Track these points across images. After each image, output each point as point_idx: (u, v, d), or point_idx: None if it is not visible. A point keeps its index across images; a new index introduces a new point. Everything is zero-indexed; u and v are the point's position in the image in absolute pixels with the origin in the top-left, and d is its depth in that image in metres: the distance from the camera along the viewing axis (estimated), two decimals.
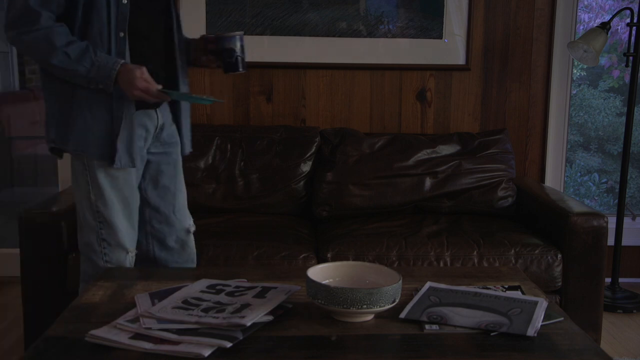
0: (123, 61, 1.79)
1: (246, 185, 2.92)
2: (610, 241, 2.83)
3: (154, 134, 2.01)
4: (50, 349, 1.35)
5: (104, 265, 1.94)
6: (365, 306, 1.44)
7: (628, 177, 3.11)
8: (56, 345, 1.37)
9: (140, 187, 2.03)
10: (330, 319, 1.50)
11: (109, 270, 1.90)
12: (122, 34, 1.83)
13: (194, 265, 2.17)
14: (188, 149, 2.14)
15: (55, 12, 1.77)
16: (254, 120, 3.21)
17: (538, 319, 1.47)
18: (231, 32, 1.97)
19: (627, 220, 3.28)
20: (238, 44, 1.96)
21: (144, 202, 2.06)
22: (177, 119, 2.09)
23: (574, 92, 3.62)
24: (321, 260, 2.42)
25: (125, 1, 1.82)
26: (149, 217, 2.08)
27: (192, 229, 2.16)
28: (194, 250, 2.17)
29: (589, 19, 3.65)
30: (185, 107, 2.10)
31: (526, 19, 3.18)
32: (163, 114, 2.01)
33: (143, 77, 1.77)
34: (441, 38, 3.16)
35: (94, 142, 1.86)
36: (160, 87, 1.81)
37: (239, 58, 1.96)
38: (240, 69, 1.97)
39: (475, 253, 2.44)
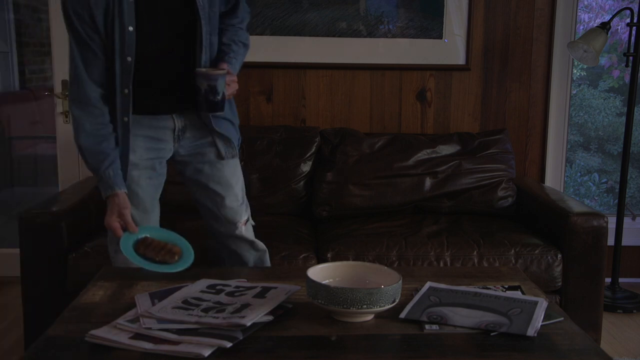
0: (115, 192, 1.89)
1: (246, 185, 2.91)
2: (610, 241, 2.83)
3: (175, 136, 2.03)
4: (50, 349, 1.35)
5: (112, 255, 2.05)
6: (365, 306, 1.44)
7: (628, 177, 3.11)
8: (56, 345, 1.37)
9: (189, 187, 2.13)
10: (330, 319, 1.50)
11: (108, 270, 1.90)
12: (126, 91, 1.89)
13: (251, 254, 2.16)
14: (226, 155, 2.10)
15: (97, 77, 1.87)
16: (254, 120, 3.21)
17: (538, 319, 1.47)
18: (215, 68, 1.88)
19: (627, 220, 3.28)
20: (204, 84, 1.84)
21: (195, 200, 2.14)
22: (210, 125, 2.05)
23: (574, 92, 3.62)
24: (321, 260, 2.42)
25: (130, 59, 1.85)
26: (202, 213, 2.15)
27: (240, 224, 2.13)
28: (249, 240, 2.16)
29: (589, 19, 3.65)
30: (224, 113, 2.04)
31: (526, 19, 3.18)
32: (184, 117, 2.02)
33: (122, 218, 1.88)
34: (441, 38, 3.16)
35: None
36: (129, 232, 1.87)
37: (203, 99, 1.85)
38: (201, 109, 1.87)
39: (475, 253, 2.44)
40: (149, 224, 2.03)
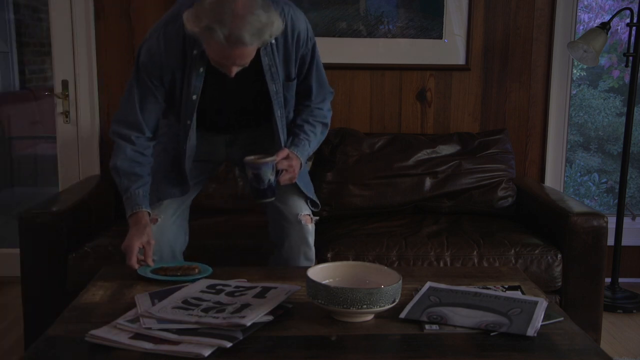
0: (140, 210, 1.90)
1: (246, 185, 2.92)
2: (610, 241, 2.83)
3: (227, 144, 2.14)
4: (50, 349, 1.35)
5: None
6: (365, 306, 1.44)
7: (628, 177, 3.11)
8: (56, 345, 1.37)
9: None
10: (330, 319, 1.50)
11: (108, 270, 1.90)
12: (184, 147, 1.98)
13: (295, 257, 2.09)
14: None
15: (152, 122, 1.95)
16: None
17: (538, 319, 1.47)
18: (262, 157, 1.86)
19: (627, 220, 3.28)
20: (250, 172, 1.85)
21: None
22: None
23: (574, 92, 3.62)
24: (321, 260, 2.42)
25: (189, 122, 1.93)
26: (270, 217, 2.14)
27: (303, 217, 2.06)
28: (309, 249, 2.09)
29: (589, 19, 3.65)
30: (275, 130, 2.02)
31: (526, 19, 3.18)
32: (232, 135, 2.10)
33: (146, 247, 1.86)
34: (441, 38, 3.16)
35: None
36: (136, 267, 1.82)
37: (251, 187, 1.87)
38: (253, 196, 1.89)
39: (475, 253, 2.44)
40: (187, 200, 2.12)
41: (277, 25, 1.72)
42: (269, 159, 1.84)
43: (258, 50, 1.82)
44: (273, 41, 1.87)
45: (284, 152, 1.90)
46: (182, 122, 1.94)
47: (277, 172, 1.87)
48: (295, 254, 2.07)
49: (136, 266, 1.81)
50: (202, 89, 1.89)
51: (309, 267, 2.08)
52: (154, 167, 2.01)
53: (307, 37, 1.95)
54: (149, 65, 1.87)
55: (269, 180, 1.84)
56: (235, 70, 1.77)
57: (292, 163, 1.91)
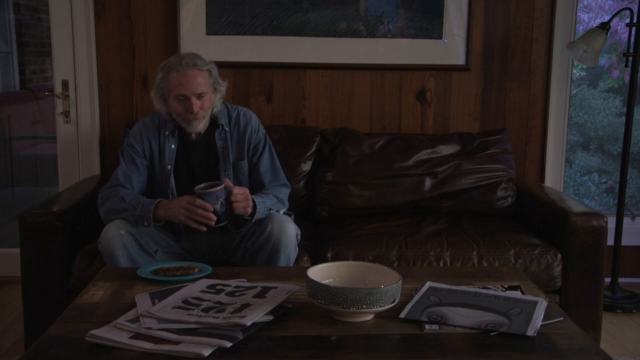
0: (160, 199, 2.16)
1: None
2: (610, 241, 2.83)
3: None
4: (50, 349, 1.35)
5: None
6: (365, 306, 1.44)
7: (628, 177, 3.11)
8: (56, 345, 1.37)
9: None
10: (330, 319, 1.50)
11: (108, 270, 1.91)
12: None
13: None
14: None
15: (137, 188, 2.28)
16: None
17: (538, 319, 1.47)
18: (213, 186, 2.07)
19: (626, 220, 3.28)
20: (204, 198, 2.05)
21: None
22: None
23: (574, 92, 3.62)
24: (321, 260, 2.42)
25: (168, 191, 2.28)
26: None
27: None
28: (281, 219, 2.21)
29: (588, 19, 3.65)
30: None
31: (526, 19, 3.18)
32: None
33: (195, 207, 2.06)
34: (441, 38, 3.16)
35: None
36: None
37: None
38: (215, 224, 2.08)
39: (475, 253, 2.45)
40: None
41: (216, 68, 2.24)
42: (213, 189, 2.04)
43: (215, 136, 2.29)
44: (227, 129, 2.31)
45: (242, 188, 2.14)
46: (162, 191, 2.27)
47: (227, 203, 2.07)
48: (278, 229, 2.17)
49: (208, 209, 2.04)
50: (174, 165, 2.27)
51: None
52: None
53: (257, 126, 2.38)
54: (132, 141, 2.30)
55: (214, 208, 2.04)
56: (196, 105, 2.16)
57: (242, 192, 2.12)
